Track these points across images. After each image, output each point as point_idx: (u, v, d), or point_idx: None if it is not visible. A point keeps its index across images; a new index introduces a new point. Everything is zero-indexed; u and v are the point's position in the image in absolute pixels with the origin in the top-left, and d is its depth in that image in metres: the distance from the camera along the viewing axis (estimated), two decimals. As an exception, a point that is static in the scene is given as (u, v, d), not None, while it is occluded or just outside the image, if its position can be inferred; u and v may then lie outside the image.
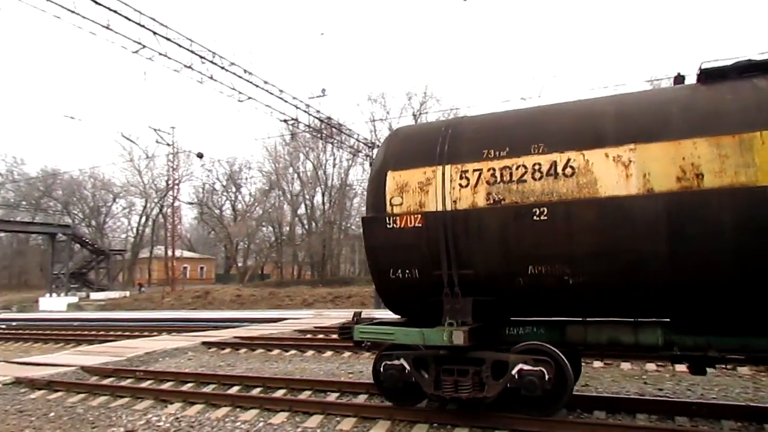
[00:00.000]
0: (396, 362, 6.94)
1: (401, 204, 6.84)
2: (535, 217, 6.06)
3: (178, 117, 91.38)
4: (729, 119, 5.49)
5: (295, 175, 57.55)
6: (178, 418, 7.61)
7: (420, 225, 6.64)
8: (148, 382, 10.08)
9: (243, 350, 14.30)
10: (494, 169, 6.38)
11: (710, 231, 5.34)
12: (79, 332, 21.85)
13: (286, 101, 28.12)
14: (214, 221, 67.72)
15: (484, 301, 6.52)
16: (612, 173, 5.79)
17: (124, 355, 13.00)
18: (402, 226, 6.75)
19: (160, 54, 21.97)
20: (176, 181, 51.01)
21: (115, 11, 19.61)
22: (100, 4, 19.18)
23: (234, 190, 68.53)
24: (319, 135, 32.61)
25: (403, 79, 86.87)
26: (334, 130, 32.53)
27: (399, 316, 7.59)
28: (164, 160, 53.25)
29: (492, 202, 6.34)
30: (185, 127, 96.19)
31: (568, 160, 6.02)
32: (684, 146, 5.54)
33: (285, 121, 29.28)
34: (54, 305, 43.93)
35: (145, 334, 19.60)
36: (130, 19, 20.29)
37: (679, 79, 6.60)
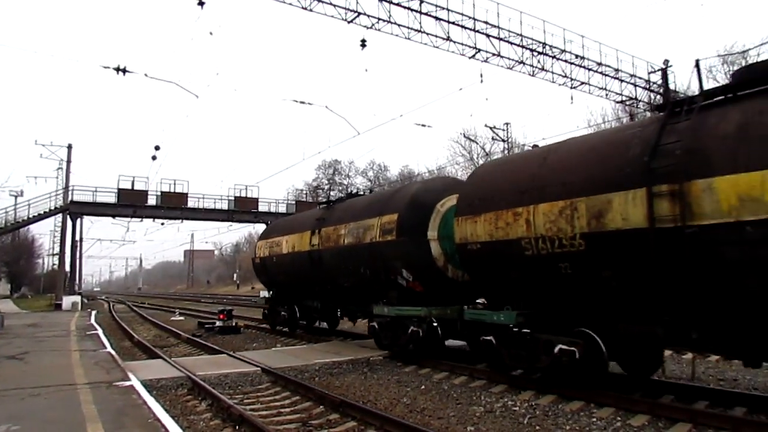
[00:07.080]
0: (281, 311, 18.11)
1: (258, 253, 18.06)
2: (274, 260, 16.76)
3: (511, 113, 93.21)
4: (303, 226, 15.29)
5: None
6: (532, 405, 7.70)
7: (260, 261, 17.90)
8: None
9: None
10: (272, 242, 17.15)
11: (326, 260, 15.26)
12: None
13: (622, 80, 26.28)
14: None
15: (283, 291, 17.29)
16: (285, 245, 16.00)
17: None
18: (259, 262, 18.02)
19: (494, 54, 23.42)
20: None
21: (453, 23, 22.04)
22: (441, 20, 21.78)
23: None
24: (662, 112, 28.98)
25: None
26: (681, 104, 28.56)
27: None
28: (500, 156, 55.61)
29: (269, 254, 17.07)
30: (519, 123, 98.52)
31: (283, 239, 16.21)
32: (305, 237, 15.54)
33: (622, 102, 27.33)
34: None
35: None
36: (466, 28, 22.39)
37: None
